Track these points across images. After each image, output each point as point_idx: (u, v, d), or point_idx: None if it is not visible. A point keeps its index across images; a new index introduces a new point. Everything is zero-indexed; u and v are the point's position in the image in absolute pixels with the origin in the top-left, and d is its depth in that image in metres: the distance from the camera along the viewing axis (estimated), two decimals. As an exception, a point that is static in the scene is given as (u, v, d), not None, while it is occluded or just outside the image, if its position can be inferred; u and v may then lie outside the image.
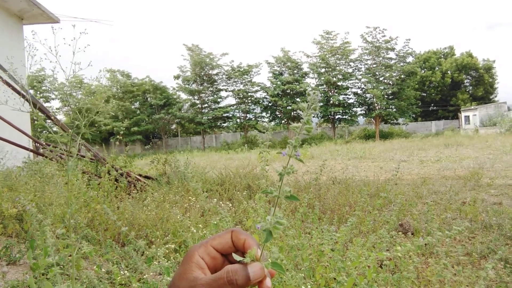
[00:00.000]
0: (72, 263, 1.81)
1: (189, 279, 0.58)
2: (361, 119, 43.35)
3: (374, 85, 38.49)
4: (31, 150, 7.62)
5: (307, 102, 0.70)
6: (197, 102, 42.50)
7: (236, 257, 0.60)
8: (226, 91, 42.95)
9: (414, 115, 44.28)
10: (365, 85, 39.90)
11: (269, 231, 0.64)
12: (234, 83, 42.26)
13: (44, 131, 35.75)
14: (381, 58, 39.56)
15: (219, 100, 42.72)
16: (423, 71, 47.65)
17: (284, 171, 0.70)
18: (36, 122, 33.69)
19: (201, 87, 41.86)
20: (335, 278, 2.70)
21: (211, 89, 42.52)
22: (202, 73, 41.48)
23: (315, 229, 3.59)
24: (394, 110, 39.32)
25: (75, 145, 2.10)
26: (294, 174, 7.64)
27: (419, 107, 44.36)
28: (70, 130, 2.28)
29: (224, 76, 42.35)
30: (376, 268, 2.94)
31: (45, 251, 2.74)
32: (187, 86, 42.13)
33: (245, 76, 41.60)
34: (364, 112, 41.17)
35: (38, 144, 8.47)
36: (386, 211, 5.08)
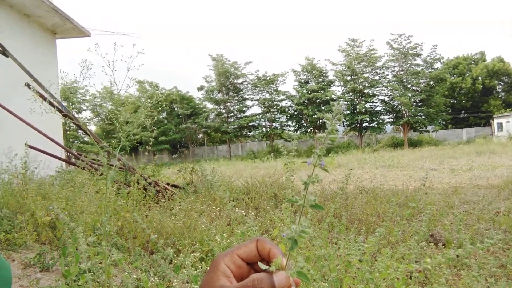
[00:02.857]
0: (105, 270, 1.86)
1: (216, 287, 0.59)
2: (388, 127, 42.61)
3: (401, 92, 37.83)
4: (63, 160, 7.88)
5: (331, 112, 0.70)
6: (223, 111, 42.89)
7: (262, 265, 0.61)
8: (251, 100, 43.19)
9: (444, 123, 43.19)
10: (392, 93, 39.28)
11: (294, 240, 0.65)
12: (260, 92, 42.44)
13: (76, 141, 36.85)
14: (408, 65, 38.89)
15: (244, 109, 42.99)
16: (452, 78, 46.53)
17: (309, 180, 0.71)
18: (68, 132, 34.80)
19: (227, 97, 42.25)
20: (363, 289, 2.66)
21: (237, 98, 42.85)
22: (227, 83, 41.87)
23: (342, 239, 3.54)
24: (423, 117, 38.45)
25: (110, 155, 2.17)
26: (320, 183, 7.59)
27: (449, 114, 43.27)
28: (103, 142, 2.36)
29: (249, 85, 42.62)
30: (406, 280, 2.88)
31: (77, 258, 2.82)
32: (212, 96, 42.62)
33: (271, 85, 41.73)
34: (391, 119, 40.46)
35: (70, 154, 8.75)
36: (416, 221, 4.96)
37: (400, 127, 39.91)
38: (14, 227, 4.05)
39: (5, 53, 7.80)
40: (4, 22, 8.55)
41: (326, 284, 2.49)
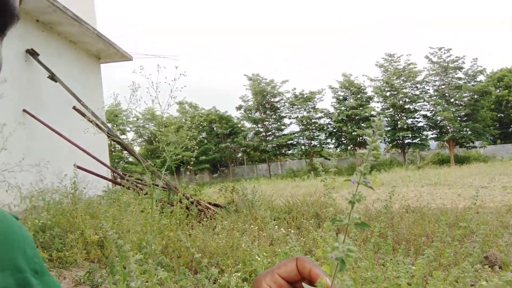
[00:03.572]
0: (151, 290, 1.88)
1: None
2: (433, 143, 41.20)
3: (444, 107, 36.61)
4: (109, 180, 8.16)
5: (372, 128, 0.69)
6: (261, 130, 43.12)
7: (307, 287, 0.60)
8: (289, 118, 43.21)
9: (492, 138, 41.16)
10: (434, 107, 38.10)
11: (341, 260, 0.63)
12: (297, 110, 42.42)
13: (121, 162, 38.16)
14: (449, 79, 37.67)
15: (282, 127, 43.02)
16: (498, 91, 44.40)
17: (353, 198, 0.69)
18: (113, 153, 36.15)
19: (264, 115, 42.51)
20: (414, 314, 2.53)
21: (274, 116, 43.01)
22: (264, 102, 42.18)
23: (389, 260, 3.41)
24: (469, 132, 36.88)
25: (155, 176, 2.22)
26: (364, 202, 7.41)
27: (497, 129, 41.24)
28: (147, 162, 2.42)
29: (286, 103, 42.74)
30: (460, 304, 2.71)
31: (124, 276, 2.87)
32: (250, 115, 43.03)
33: (308, 102, 41.63)
34: (435, 135, 39.11)
35: (115, 174, 9.06)
36: (468, 242, 4.71)
37: (445, 143, 38.47)
38: (65, 246, 4.21)
39: (53, 78, 8.26)
40: (53, 49, 9.08)
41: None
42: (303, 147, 42.27)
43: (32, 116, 7.60)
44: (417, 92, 39.35)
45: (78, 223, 4.42)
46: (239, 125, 44.19)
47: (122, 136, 38.34)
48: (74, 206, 5.06)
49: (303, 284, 0.61)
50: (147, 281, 2.80)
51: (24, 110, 7.60)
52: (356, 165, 0.72)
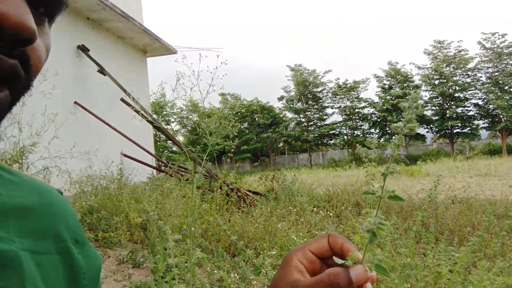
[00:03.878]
0: (190, 268, 1.95)
1: (289, 282, 0.59)
2: (484, 133, 39.18)
3: (497, 95, 34.59)
4: (154, 167, 8.44)
5: (408, 101, 0.68)
6: (303, 120, 42.85)
7: (337, 260, 0.60)
8: (332, 108, 42.60)
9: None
10: (487, 96, 36.09)
11: (372, 232, 0.63)
12: (340, 100, 41.71)
13: (165, 151, 39.28)
14: (504, 65, 35.45)
15: (324, 117, 42.53)
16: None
17: (387, 171, 0.68)
18: (158, 143, 37.24)
19: (306, 106, 42.16)
20: (455, 303, 2.46)
21: (316, 106, 42.57)
22: (306, 92, 41.79)
23: (431, 249, 3.32)
24: (525, 121, 34.71)
25: (195, 163, 2.29)
26: (408, 192, 7.19)
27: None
28: (186, 149, 2.49)
29: (329, 93, 42.12)
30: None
31: (164, 256, 2.99)
32: (292, 105, 42.83)
33: (352, 92, 40.81)
34: (487, 125, 37.14)
35: (160, 162, 9.36)
36: (517, 233, 4.48)
37: (497, 133, 36.47)
38: (110, 227, 4.44)
39: (103, 72, 8.62)
40: (102, 44, 9.45)
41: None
42: (345, 137, 41.59)
43: (83, 107, 7.98)
44: (468, 80, 37.46)
45: (123, 207, 4.63)
46: (281, 115, 44.13)
47: (167, 127, 39.33)
48: (119, 191, 5.30)
49: (334, 258, 0.60)
50: (186, 262, 2.90)
51: (76, 102, 8.00)
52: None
